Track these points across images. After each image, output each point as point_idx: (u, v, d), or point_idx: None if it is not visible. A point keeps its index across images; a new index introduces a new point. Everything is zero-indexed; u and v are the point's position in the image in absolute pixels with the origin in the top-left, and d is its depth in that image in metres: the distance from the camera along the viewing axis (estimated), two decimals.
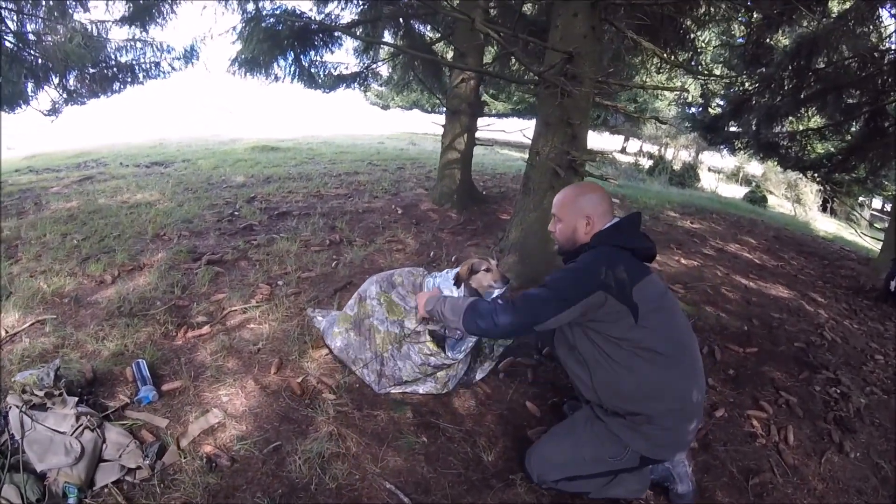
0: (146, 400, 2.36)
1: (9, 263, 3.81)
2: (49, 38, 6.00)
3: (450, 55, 7.10)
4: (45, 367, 2.28)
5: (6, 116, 6.83)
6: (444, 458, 2.22)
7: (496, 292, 2.50)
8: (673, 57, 4.45)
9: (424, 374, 2.53)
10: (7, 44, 5.99)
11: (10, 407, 2.04)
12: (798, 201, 16.36)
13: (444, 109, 5.77)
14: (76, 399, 2.14)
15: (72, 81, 6.75)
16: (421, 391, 2.57)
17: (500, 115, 21.88)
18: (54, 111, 6.90)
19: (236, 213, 5.19)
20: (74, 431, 2.00)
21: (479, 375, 2.74)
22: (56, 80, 6.56)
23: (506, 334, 2.26)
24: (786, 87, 7.31)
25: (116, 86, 7.04)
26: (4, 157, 9.66)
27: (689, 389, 1.92)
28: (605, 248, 1.95)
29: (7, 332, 2.91)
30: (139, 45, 6.85)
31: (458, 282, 2.54)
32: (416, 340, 2.50)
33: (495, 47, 7.02)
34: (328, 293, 3.46)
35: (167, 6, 6.49)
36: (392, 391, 2.54)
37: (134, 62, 6.98)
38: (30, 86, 6.47)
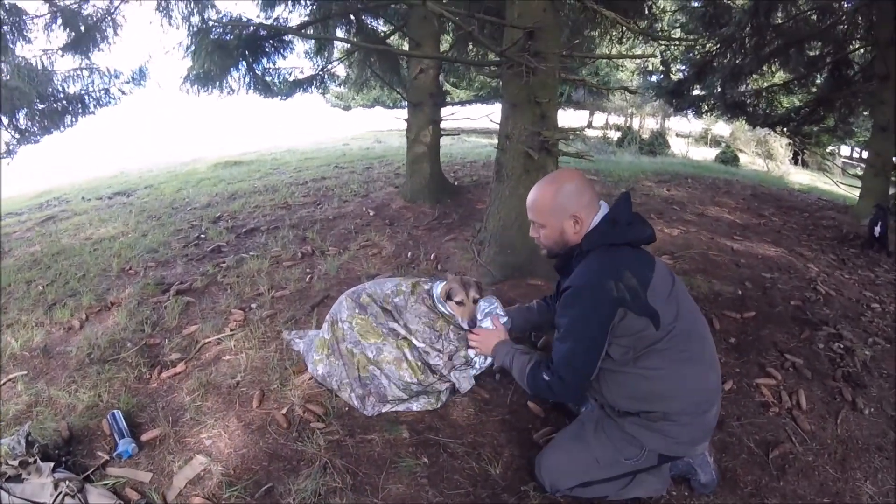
0: (126, 454, 2.20)
1: None
2: None
3: (405, 48, 6.93)
4: (15, 435, 2.12)
5: None
6: (448, 477, 2.07)
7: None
8: (633, 25, 4.34)
9: (409, 395, 2.40)
10: None
11: None
12: (769, 157, 16.44)
13: (406, 103, 5.62)
14: (52, 464, 2.01)
15: (22, 120, 6.48)
16: (415, 408, 2.41)
17: (463, 103, 21.72)
18: (9, 153, 6.63)
19: (202, 235, 5.00)
20: (54, 501, 1.88)
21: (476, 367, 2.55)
22: (6, 121, 6.29)
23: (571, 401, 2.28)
24: (747, 46, 7.28)
25: (68, 119, 6.77)
26: None
27: (706, 378, 1.78)
28: (602, 252, 1.75)
29: None
30: (86, 73, 6.58)
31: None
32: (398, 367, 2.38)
33: (451, 34, 6.87)
34: (305, 311, 3.30)
35: (110, 29, 6.23)
36: (383, 410, 2.39)
37: (83, 92, 6.70)
38: None
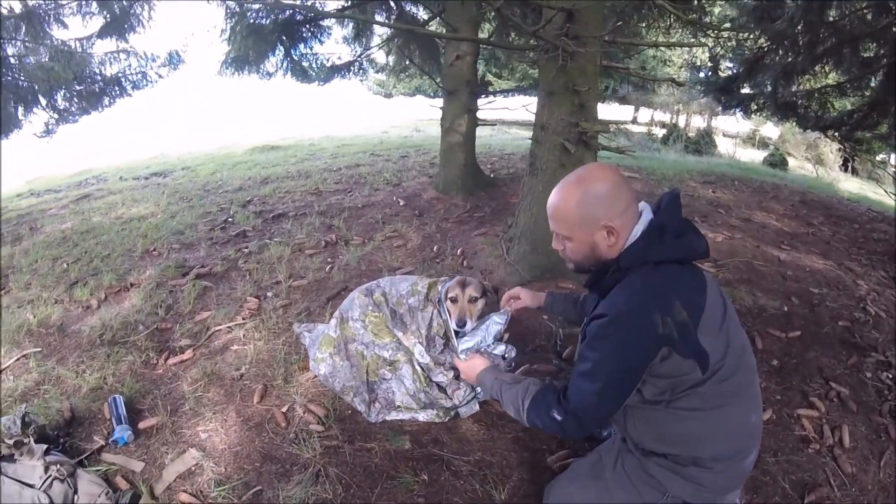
0: (122, 441, 2.16)
1: None
2: (30, 60, 5.82)
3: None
4: (12, 415, 2.10)
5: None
6: (448, 499, 1.90)
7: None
8: (682, 15, 4.10)
9: (418, 405, 2.25)
10: None
11: None
12: (819, 162, 15.73)
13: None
14: (45, 447, 1.98)
15: (60, 101, 6.60)
16: (421, 419, 2.25)
17: (504, 93, 21.38)
18: (48, 132, 6.77)
19: (230, 219, 4.95)
20: (43, 484, 1.85)
21: (482, 394, 2.32)
22: (44, 102, 6.41)
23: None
24: (800, 43, 6.88)
25: (106, 100, 6.88)
26: (6, 183, 9.60)
27: (748, 421, 1.51)
28: (646, 273, 1.41)
29: None
30: (123, 56, 6.65)
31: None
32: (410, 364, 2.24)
33: (491, 21, 6.67)
34: (320, 303, 3.19)
35: (145, 12, 6.26)
36: (388, 418, 2.25)
37: (120, 74, 6.79)
38: (20, 110, 6.32)
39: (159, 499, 1.90)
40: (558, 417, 1.48)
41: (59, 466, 1.90)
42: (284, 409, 2.29)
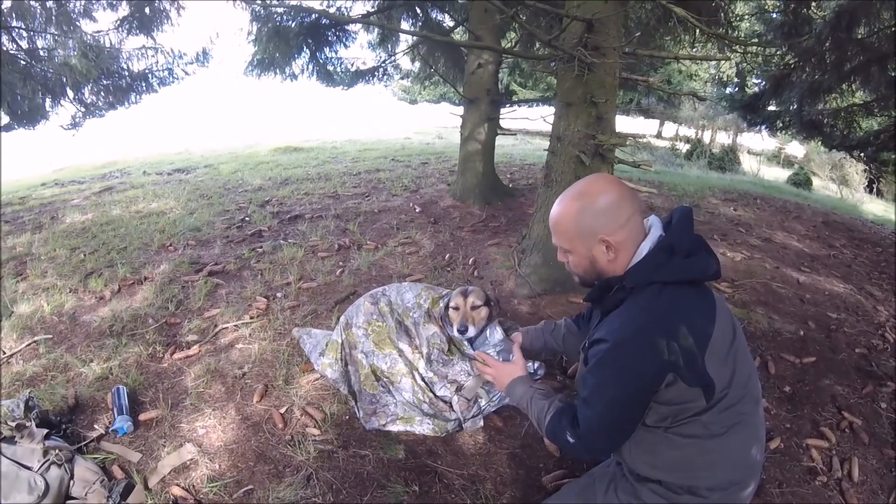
0: (121, 431, 2.19)
1: (15, 281, 3.71)
2: (59, 53, 5.94)
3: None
4: (16, 398, 2.14)
5: (27, 133, 6.85)
6: None
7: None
8: (707, 29, 4.03)
9: (419, 414, 2.22)
10: (21, 62, 5.96)
11: None
12: (844, 182, 15.37)
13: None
14: (45, 432, 2.01)
15: (87, 95, 6.73)
16: (418, 431, 2.20)
17: (529, 103, 21.30)
18: (74, 124, 6.90)
19: (247, 218, 4.99)
20: (40, 467, 1.88)
21: (487, 409, 2.29)
22: (71, 95, 6.54)
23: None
24: (827, 60, 6.75)
25: (133, 96, 7.00)
26: (32, 171, 9.82)
27: (749, 452, 1.44)
28: (653, 295, 1.34)
29: (4, 353, 2.82)
30: (150, 53, 6.77)
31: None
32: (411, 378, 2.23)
33: (517, 31, 6.66)
34: (328, 306, 3.19)
35: (174, 10, 6.38)
36: (384, 427, 2.22)
37: (147, 70, 6.91)
38: (48, 101, 6.46)
39: (152, 490, 1.91)
40: (571, 440, 1.45)
41: (57, 451, 1.93)
42: (283, 411, 2.28)
